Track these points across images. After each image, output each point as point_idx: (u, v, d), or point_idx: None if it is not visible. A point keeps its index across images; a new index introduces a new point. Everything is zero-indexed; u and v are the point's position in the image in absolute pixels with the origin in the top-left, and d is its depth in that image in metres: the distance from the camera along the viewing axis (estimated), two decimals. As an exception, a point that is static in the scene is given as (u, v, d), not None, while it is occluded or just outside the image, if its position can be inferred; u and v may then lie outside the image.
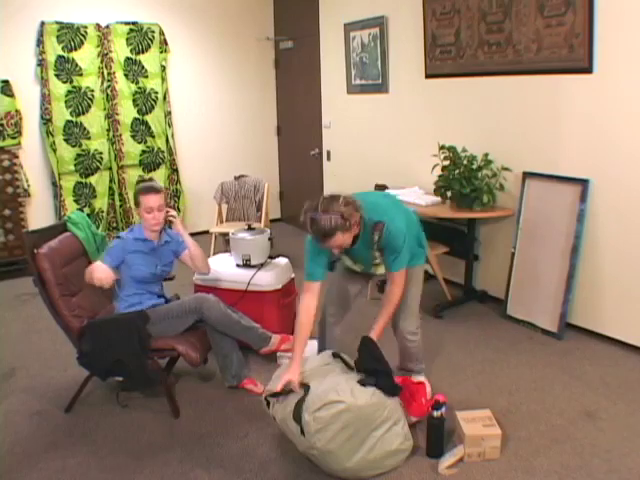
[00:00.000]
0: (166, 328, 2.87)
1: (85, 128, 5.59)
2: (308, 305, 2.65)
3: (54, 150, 5.44)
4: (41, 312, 3.06)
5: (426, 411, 2.60)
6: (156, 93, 5.89)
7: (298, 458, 2.52)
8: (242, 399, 3.01)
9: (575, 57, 3.41)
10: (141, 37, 5.74)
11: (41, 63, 5.30)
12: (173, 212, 3.07)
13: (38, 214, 5.39)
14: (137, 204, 2.91)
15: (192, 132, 6.26)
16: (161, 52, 5.87)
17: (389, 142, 5.08)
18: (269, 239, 3.58)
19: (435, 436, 2.50)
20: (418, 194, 4.33)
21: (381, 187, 4.88)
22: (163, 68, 5.91)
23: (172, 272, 3.28)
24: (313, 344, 3.00)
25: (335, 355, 2.66)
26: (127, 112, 5.78)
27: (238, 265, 3.55)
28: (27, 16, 5.19)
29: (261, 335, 3.03)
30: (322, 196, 2.55)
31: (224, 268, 3.59)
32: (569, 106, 3.55)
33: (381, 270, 2.83)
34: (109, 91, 5.66)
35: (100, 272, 2.79)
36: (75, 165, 5.59)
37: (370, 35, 5.03)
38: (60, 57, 5.36)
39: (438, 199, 4.10)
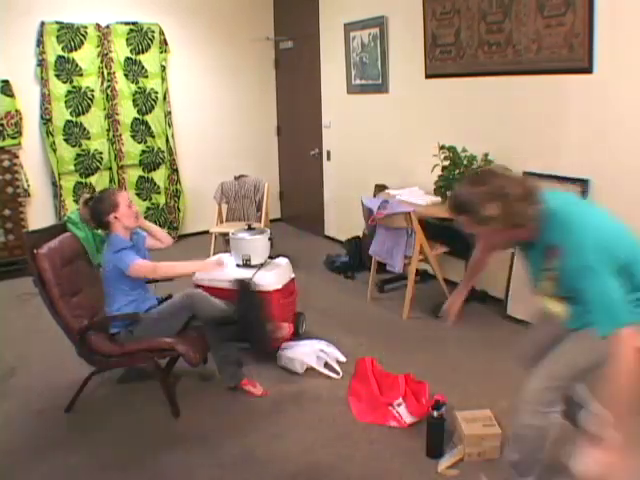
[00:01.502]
0: (162, 329, 2.87)
1: (85, 128, 5.59)
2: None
3: (54, 150, 5.44)
4: (41, 312, 3.06)
5: (426, 411, 2.60)
6: (156, 93, 5.89)
7: (298, 458, 2.52)
8: (242, 399, 3.01)
9: (575, 57, 3.41)
10: (141, 37, 5.74)
11: (41, 63, 5.30)
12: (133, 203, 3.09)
13: (38, 214, 5.39)
14: (113, 209, 2.85)
15: (192, 132, 6.26)
16: (161, 52, 5.87)
17: (389, 142, 5.08)
18: (269, 239, 3.58)
19: (435, 436, 2.50)
20: (418, 194, 4.33)
21: (381, 187, 4.88)
22: (163, 68, 5.91)
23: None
24: None
25: None
26: (127, 112, 5.78)
27: (238, 265, 3.55)
28: (27, 16, 5.18)
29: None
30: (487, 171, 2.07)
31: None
32: (569, 106, 3.55)
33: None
34: (109, 91, 5.66)
35: (211, 265, 3.04)
36: (75, 165, 5.59)
37: (370, 35, 5.03)
38: (60, 57, 5.36)
39: (438, 199, 4.10)
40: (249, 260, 3.49)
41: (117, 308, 2.91)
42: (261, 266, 3.50)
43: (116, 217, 2.87)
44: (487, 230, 1.84)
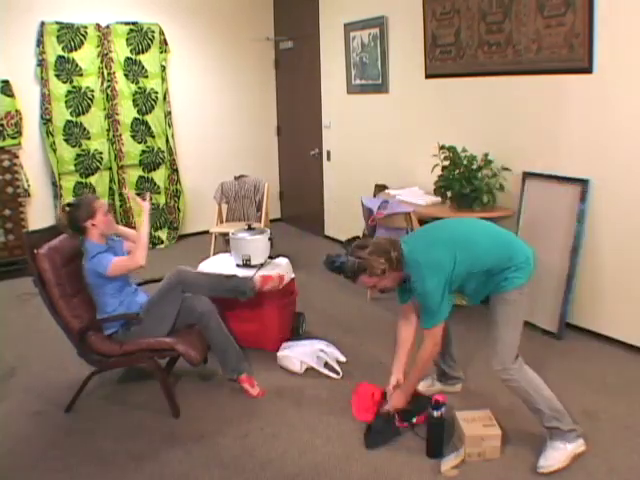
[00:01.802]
0: (162, 314, 2.90)
1: (85, 128, 5.59)
2: (399, 326, 2.77)
3: (54, 150, 5.44)
4: (41, 312, 3.06)
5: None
6: (156, 93, 5.89)
7: (298, 458, 2.52)
8: (242, 399, 3.01)
9: (575, 57, 3.41)
10: (141, 37, 5.73)
11: (41, 63, 5.30)
12: None
13: (38, 214, 5.39)
14: (90, 216, 2.87)
15: (192, 132, 6.26)
16: (161, 52, 5.87)
17: (389, 142, 5.08)
18: (269, 239, 3.58)
19: (435, 436, 2.50)
20: (418, 194, 4.33)
21: (381, 187, 4.88)
22: (163, 68, 5.91)
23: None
24: None
25: None
26: (127, 112, 5.78)
27: (238, 265, 3.55)
28: (27, 16, 5.18)
29: (244, 277, 3.21)
30: (362, 240, 2.72)
31: (224, 268, 3.59)
32: (569, 106, 3.55)
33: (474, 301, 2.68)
34: (109, 91, 5.66)
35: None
36: (75, 165, 5.59)
37: (370, 35, 5.03)
38: (60, 57, 5.36)
39: (438, 199, 4.10)
40: (249, 260, 3.49)
41: (110, 312, 2.92)
42: (261, 266, 3.50)
43: (93, 224, 2.89)
44: (383, 279, 2.46)
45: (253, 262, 3.50)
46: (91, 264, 2.86)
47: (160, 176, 6.09)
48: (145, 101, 5.85)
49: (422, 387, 2.93)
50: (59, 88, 5.40)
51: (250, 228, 3.62)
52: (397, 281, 2.52)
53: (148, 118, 5.89)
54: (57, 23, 5.30)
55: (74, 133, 5.54)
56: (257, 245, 3.53)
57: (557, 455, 2.38)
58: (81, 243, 2.93)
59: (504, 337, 2.42)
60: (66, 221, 2.92)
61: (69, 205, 2.98)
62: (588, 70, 3.36)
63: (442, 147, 4.02)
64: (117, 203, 5.86)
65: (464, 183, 3.81)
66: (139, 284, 3.22)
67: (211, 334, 2.98)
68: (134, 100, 5.79)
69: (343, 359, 3.38)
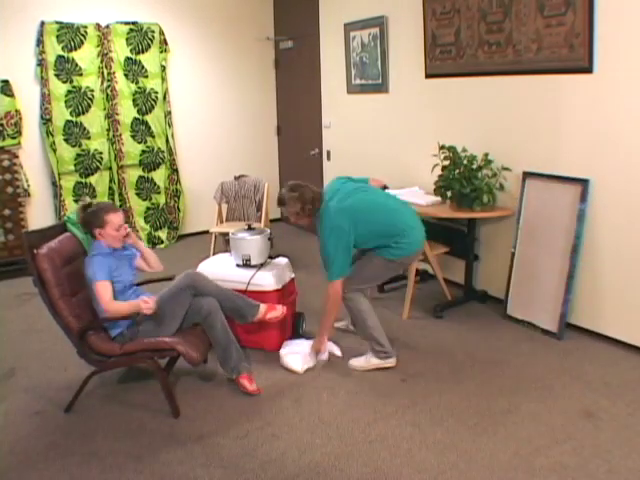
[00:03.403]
0: (171, 314, 2.92)
1: (85, 128, 5.59)
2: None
3: (54, 150, 5.44)
4: (41, 312, 3.06)
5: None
6: (156, 93, 5.89)
7: (298, 458, 2.52)
8: (242, 399, 3.01)
9: (575, 57, 3.41)
10: (141, 37, 5.73)
11: (41, 63, 5.30)
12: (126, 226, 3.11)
13: (38, 214, 5.39)
14: (100, 225, 2.91)
15: (192, 132, 6.26)
16: (161, 52, 5.87)
17: (389, 142, 5.08)
18: (269, 239, 3.58)
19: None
20: (418, 194, 4.33)
21: (381, 187, 4.87)
22: (163, 68, 5.90)
23: (172, 273, 3.31)
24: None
25: None
26: (127, 112, 5.78)
27: (238, 265, 3.55)
28: (27, 16, 5.19)
29: (250, 302, 3.19)
30: (298, 183, 3.21)
31: (224, 268, 3.59)
32: (569, 106, 3.54)
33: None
34: (109, 91, 5.66)
35: (143, 305, 2.79)
36: (75, 165, 5.59)
37: (370, 35, 5.03)
38: (60, 57, 5.36)
39: (438, 199, 4.10)
40: (249, 260, 3.49)
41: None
42: (261, 266, 3.50)
43: (100, 234, 2.93)
44: (299, 217, 3.16)
45: (253, 262, 3.50)
46: (86, 261, 2.91)
47: (160, 176, 6.08)
48: (145, 101, 5.85)
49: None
50: (59, 88, 5.41)
51: (250, 228, 3.62)
52: (309, 224, 3.21)
53: (148, 118, 5.89)
54: (57, 23, 5.30)
55: (74, 133, 5.54)
56: (257, 245, 3.53)
57: (362, 361, 3.29)
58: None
59: (356, 275, 3.17)
60: (81, 221, 3.00)
61: (89, 206, 3.02)
62: (588, 70, 3.36)
63: (442, 147, 4.02)
64: (117, 203, 5.86)
65: (464, 183, 3.81)
66: (139, 284, 3.22)
67: (215, 333, 2.98)
68: (134, 100, 5.79)
69: (339, 354, 3.41)
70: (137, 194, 6.01)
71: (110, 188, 5.84)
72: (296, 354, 3.31)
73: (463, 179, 3.83)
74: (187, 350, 2.83)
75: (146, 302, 2.81)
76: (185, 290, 2.99)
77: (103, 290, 2.83)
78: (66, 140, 5.51)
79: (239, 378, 3.04)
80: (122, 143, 5.82)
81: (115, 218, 2.95)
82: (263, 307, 3.20)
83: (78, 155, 5.59)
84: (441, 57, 4.35)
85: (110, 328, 2.94)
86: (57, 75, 5.38)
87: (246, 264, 3.51)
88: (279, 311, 3.25)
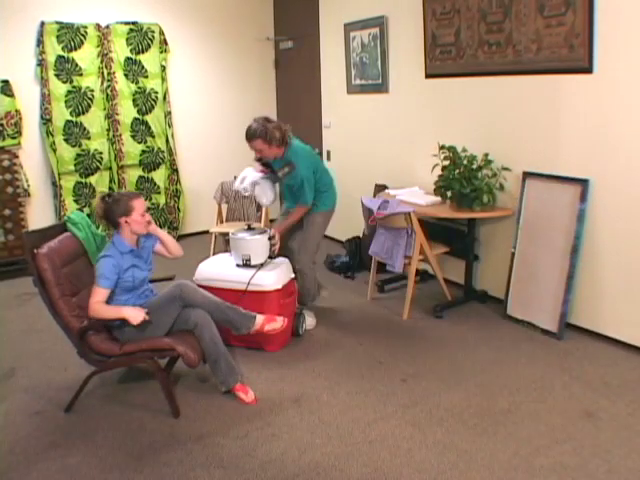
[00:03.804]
0: (157, 322, 2.87)
1: (85, 128, 5.59)
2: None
3: (54, 150, 5.44)
4: (41, 312, 3.06)
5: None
6: (156, 93, 5.89)
7: (298, 458, 2.52)
8: (236, 398, 3.01)
9: (575, 57, 3.41)
10: (141, 37, 5.74)
11: (41, 63, 5.30)
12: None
13: (38, 214, 5.39)
14: (126, 212, 2.89)
15: (192, 132, 6.26)
16: (161, 52, 5.87)
17: (389, 142, 5.08)
18: (269, 239, 3.58)
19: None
20: (418, 194, 4.33)
21: (381, 187, 4.89)
22: (163, 68, 5.91)
23: (172, 273, 3.31)
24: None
25: None
26: (127, 112, 5.78)
27: (238, 265, 3.55)
28: (27, 16, 5.19)
29: (245, 314, 3.06)
30: (271, 118, 3.65)
31: (224, 268, 3.59)
32: (569, 106, 3.54)
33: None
34: (109, 91, 5.66)
35: (132, 314, 2.77)
36: (75, 165, 5.59)
37: (370, 35, 5.03)
38: (60, 57, 5.36)
39: (438, 199, 4.10)
40: (249, 260, 3.49)
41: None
42: (261, 266, 3.50)
43: (127, 221, 2.89)
44: (270, 148, 3.55)
45: (253, 262, 3.49)
46: (98, 259, 2.88)
47: (160, 176, 6.09)
48: (145, 101, 5.85)
49: None
50: (59, 88, 5.41)
51: (250, 228, 3.62)
52: (276, 155, 3.61)
53: (148, 118, 5.89)
54: (57, 23, 5.30)
55: (74, 133, 5.54)
56: (257, 245, 3.52)
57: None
58: (108, 235, 2.99)
59: (308, 243, 3.81)
60: (102, 212, 2.93)
61: (109, 196, 2.96)
62: (588, 70, 3.36)
63: (442, 147, 4.02)
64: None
65: (464, 183, 3.81)
66: None
67: (204, 344, 2.93)
68: (134, 100, 5.80)
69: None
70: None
71: (110, 188, 5.83)
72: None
73: (463, 179, 3.83)
74: (186, 351, 2.82)
75: (135, 311, 2.79)
76: (174, 301, 2.92)
77: (96, 293, 2.81)
78: (66, 140, 5.51)
79: (233, 390, 3.00)
80: (122, 143, 5.82)
81: (139, 203, 2.92)
82: (260, 318, 3.09)
83: (78, 155, 5.59)
84: (441, 57, 4.35)
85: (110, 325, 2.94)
86: (57, 75, 5.38)
87: (246, 264, 3.51)
88: (279, 323, 3.14)
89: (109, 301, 2.88)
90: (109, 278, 2.83)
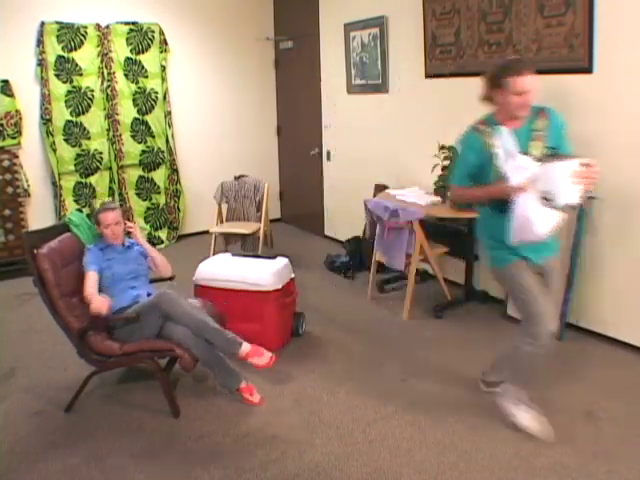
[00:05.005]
0: (136, 328, 2.86)
1: (85, 128, 5.59)
2: None
3: (54, 150, 5.44)
4: (41, 312, 3.06)
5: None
6: (156, 93, 5.89)
7: (298, 458, 2.52)
8: (242, 399, 3.01)
9: (575, 57, 3.41)
10: (141, 37, 5.73)
11: (41, 63, 5.30)
12: (130, 224, 3.37)
13: (38, 214, 5.39)
14: (97, 223, 3.17)
15: (192, 132, 6.26)
16: (161, 52, 5.87)
17: (389, 142, 5.08)
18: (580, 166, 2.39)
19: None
20: (418, 194, 4.32)
21: (381, 187, 4.88)
22: (163, 68, 5.90)
23: (172, 273, 3.33)
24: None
25: None
26: (127, 112, 5.78)
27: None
28: (27, 16, 5.19)
29: (230, 339, 2.83)
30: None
31: (224, 268, 3.58)
32: (569, 106, 3.54)
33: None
34: (109, 91, 5.65)
35: (96, 302, 2.86)
36: (75, 165, 5.59)
37: (370, 35, 5.03)
38: (60, 57, 5.36)
39: (438, 199, 4.09)
40: (552, 199, 2.30)
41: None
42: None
43: (99, 231, 3.18)
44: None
45: (557, 202, 2.29)
46: (86, 250, 3.09)
47: (160, 176, 6.08)
48: (145, 101, 5.85)
49: None
50: (59, 88, 5.40)
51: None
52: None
53: (148, 118, 5.89)
54: (57, 23, 5.30)
55: (74, 133, 5.54)
56: (562, 175, 2.32)
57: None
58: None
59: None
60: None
61: (97, 205, 3.22)
62: (588, 70, 3.36)
63: (442, 147, 4.02)
64: (117, 203, 5.86)
65: (464, 183, 3.81)
66: None
67: (196, 354, 2.86)
68: (134, 100, 5.79)
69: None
70: (137, 194, 6.01)
71: (110, 188, 5.83)
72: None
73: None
74: (184, 353, 2.80)
75: (98, 301, 2.87)
76: (154, 309, 2.86)
77: (86, 279, 2.97)
78: (66, 140, 5.51)
79: (239, 391, 2.98)
80: (122, 143, 5.82)
81: (104, 217, 3.13)
82: (246, 347, 2.82)
83: (78, 155, 5.59)
84: (441, 57, 4.35)
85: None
86: (57, 75, 5.38)
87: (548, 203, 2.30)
88: (265, 359, 2.83)
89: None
90: (93, 262, 3.02)
